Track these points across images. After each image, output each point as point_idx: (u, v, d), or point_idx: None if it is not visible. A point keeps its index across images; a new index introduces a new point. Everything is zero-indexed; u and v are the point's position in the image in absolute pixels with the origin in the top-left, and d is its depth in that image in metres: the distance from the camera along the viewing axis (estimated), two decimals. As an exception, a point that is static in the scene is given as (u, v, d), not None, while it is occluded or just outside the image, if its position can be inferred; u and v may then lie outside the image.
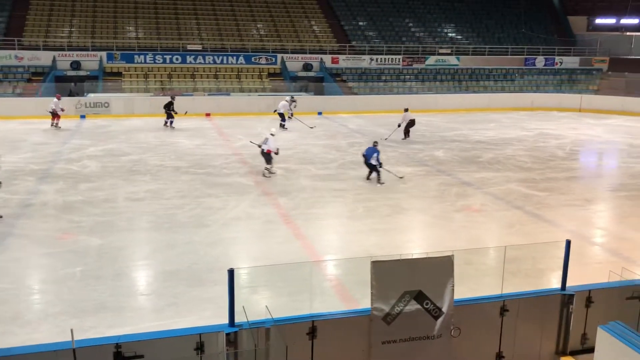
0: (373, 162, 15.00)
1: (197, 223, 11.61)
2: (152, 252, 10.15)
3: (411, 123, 21.83)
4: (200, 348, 5.31)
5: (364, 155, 15.31)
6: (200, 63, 31.49)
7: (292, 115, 25.70)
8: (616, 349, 5.65)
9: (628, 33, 38.54)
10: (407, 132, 22.00)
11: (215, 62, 31.63)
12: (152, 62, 31.11)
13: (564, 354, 6.77)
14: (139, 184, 14.55)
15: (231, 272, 5.43)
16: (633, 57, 36.61)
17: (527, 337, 6.58)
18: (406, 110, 22.26)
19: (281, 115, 24.46)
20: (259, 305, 6.40)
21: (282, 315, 5.81)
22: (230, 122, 25.84)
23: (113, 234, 10.87)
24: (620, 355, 5.59)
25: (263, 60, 32.20)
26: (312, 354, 5.77)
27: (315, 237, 11.25)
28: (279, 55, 32.41)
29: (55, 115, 23.54)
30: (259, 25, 35.01)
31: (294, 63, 32.45)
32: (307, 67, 32.48)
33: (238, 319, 5.55)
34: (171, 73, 30.88)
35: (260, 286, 8.64)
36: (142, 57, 31.04)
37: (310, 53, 32.96)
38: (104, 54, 30.49)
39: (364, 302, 6.07)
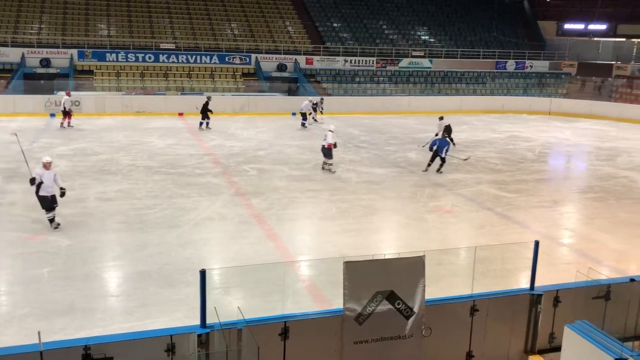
0: (443, 154, 16.39)
1: (168, 223, 11.49)
2: (123, 253, 10.02)
3: (448, 130, 20.41)
4: (171, 350, 5.26)
5: (434, 145, 16.58)
6: (173, 62, 31.19)
7: (315, 118, 26.54)
8: (582, 347, 5.79)
9: (596, 38, 39.45)
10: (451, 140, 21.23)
11: (188, 62, 31.38)
12: (125, 60, 30.70)
13: (532, 352, 6.90)
14: (110, 184, 14.35)
15: (203, 273, 5.40)
16: (600, 61, 37.48)
17: (496, 336, 6.69)
18: (441, 118, 21.79)
19: (303, 114, 24.97)
20: (231, 306, 6.36)
21: (254, 316, 5.79)
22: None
23: (83, 234, 10.70)
24: (586, 353, 5.73)
25: (237, 60, 32.06)
26: (284, 354, 5.76)
27: (289, 238, 11.24)
28: (253, 56, 32.31)
29: (67, 114, 22.80)
30: (233, 25, 34.86)
31: (268, 63, 32.39)
32: (281, 67, 32.45)
33: (210, 320, 5.52)
34: (143, 72, 30.52)
35: (232, 287, 8.60)
36: (114, 55, 30.61)
37: (284, 54, 32.94)
38: (74, 51, 29.96)
39: (337, 302, 6.10)
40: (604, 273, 8.67)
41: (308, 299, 8.51)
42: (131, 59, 30.73)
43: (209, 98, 23.85)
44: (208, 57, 31.65)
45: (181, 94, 29.16)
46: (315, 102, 26.33)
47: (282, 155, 18.82)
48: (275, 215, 12.48)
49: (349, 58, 33.83)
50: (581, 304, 6.94)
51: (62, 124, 22.75)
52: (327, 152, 16.42)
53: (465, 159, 15.93)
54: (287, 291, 8.30)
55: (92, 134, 21.59)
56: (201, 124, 23.42)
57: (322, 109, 26.91)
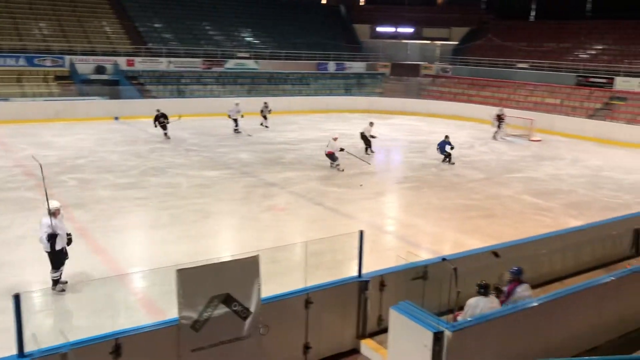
0: (447, 149, 19.37)
1: (-26, 246, 10.23)
2: None
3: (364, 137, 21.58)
4: (-17, 387, 4.72)
5: (438, 147, 19.71)
6: (-31, 64, 27.69)
7: (264, 124, 26.31)
8: (406, 325, 6.32)
9: (404, 40, 43.04)
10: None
11: (-11, 64, 28.08)
12: None
13: (364, 336, 7.36)
14: None
15: (17, 298, 4.91)
16: (410, 62, 40.98)
17: (330, 325, 7.02)
18: (371, 124, 21.78)
19: (234, 120, 24.45)
20: (54, 330, 5.87)
21: (82, 337, 5.41)
22: (12, 130, 23.15)
23: None
24: (409, 330, 6.27)
25: (48, 62, 29.42)
26: (117, 373, 5.47)
27: (117, 250, 10.66)
28: (67, 57, 29.86)
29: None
30: (41, 24, 31.90)
31: (85, 65, 30.19)
32: (100, 69, 30.46)
33: (29, 348, 5.04)
34: None
35: (55, 309, 7.93)
36: None
37: (102, 55, 30.98)
38: None
39: (172, 312, 5.93)
40: (422, 255, 9.54)
41: (142, 312, 8.16)
42: None
43: (157, 110, 23.05)
44: (13, 59, 28.56)
45: (-18, 100, 25.98)
46: (237, 109, 24.59)
47: (105, 163, 17.73)
48: (101, 227, 11.74)
49: (173, 59, 32.88)
50: (403, 285, 7.57)
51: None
52: (329, 156, 17.88)
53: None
54: (118, 306, 7.88)
55: None
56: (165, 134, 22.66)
57: (270, 111, 26.83)
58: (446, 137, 19.85)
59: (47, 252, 8.53)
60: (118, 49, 31.94)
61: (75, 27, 32.55)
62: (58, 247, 8.57)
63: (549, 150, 22.95)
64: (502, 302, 7.10)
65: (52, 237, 8.40)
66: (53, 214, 8.50)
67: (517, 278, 7.37)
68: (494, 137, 25.36)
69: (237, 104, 24.42)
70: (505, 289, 7.37)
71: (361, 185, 15.89)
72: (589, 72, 30.54)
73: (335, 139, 17.96)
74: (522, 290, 7.24)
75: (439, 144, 19.84)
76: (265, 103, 27.21)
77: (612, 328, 7.65)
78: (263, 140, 22.91)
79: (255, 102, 31.74)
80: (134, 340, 5.57)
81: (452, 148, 19.48)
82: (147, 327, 5.83)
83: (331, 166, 18.03)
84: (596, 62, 31.40)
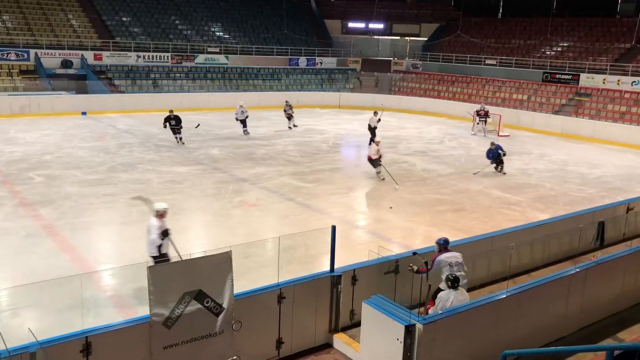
0: (500, 152, 17.64)
1: (-64, 245, 9.96)
2: None
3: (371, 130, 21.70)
4: (-52, 389, 4.60)
5: (490, 156, 17.79)
6: None
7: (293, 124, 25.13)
8: (378, 319, 6.39)
9: (375, 36, 43.24)
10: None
11: (-50, 57, 27.25)
12: None
13: (336, 331, 7.41)
14: None
15: (-17, 297, 4.79)
16: (380, 58, 41.20)
17: (303, 320, 7.04)
18: (375, 113, 21.79)
19: (242, 121, 23.05)
20: (21, 329, 5.76)
21: (50, 336, 5.32)
22: (-26, 126, 22.54)
23: None
24: (381, 323, 6.34)
25: (12, 56, 28.68)
26: (87, 372, 5.40)
27: (86, 248, 10.49)
28: (32, 51, 29.16)
29: None
30: (4, 17, 31.05)
31: (51, 59, 29.52)
32: (66, 63, 29.82)
33: (-4, 348, 4.94)
34: None
35: (22, 308, 7.78)
36: None
37: (69, 49, 30.31)
38: None
39: (144, 309, 5.87)
40: (393, 250, 9.63)
41: (112, 310, 8.06)
42: None
43: (170, 111, 21.03)
44: (-25, 52, 27.82)
45: (-58, 95, 25.22)
46: (242, 110, 23.14)
47: (73, 159, 17.39)
48: (69, 224, 11.53)
49: (141, 54, 32.37)
50: (375, 280, 7.64)
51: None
52: (371, 162, 16.47)
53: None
54: (88, 305, 7.75)
55: None
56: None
57: (293, 111, 25.28)
58: (492, 144, 17.91)
59: (152, 256, 8.17)
60: (85, 42, 31.33)
61: (41, 20, 31.80)
62: (164, 250, 8.26)
63: (516, 145, 23.37)
64: (426, 270, 7.37)
65: (165, 234, 8.09)
66: (161, 215, 8.28)
67: (444, 247, 7.61)
68: (475, 133, 25.59)
69: (241, 105, 23.10)
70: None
71: (391, 207, 13.85)
72: (555, 68, 31.18)
73: (377, 143, 16.62)
74: (447, 257, 7.42)
75: (489, 152, 17.84)
76: (287, 102, 25.60)
77: (577, 319, 7.85)
78: (233, 136, 22.76)
79: (226, 97, 31.63)
80: (105, 338, 5.51)
81: (504, 154, 17.72)
82: (118, 324, 5.77)
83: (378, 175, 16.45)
84: (562, 59, 32.06)
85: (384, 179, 16.17)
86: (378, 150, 16.31)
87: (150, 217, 8.34)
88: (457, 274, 7.03)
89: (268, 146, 20.88)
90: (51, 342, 5.21)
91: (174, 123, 20.49)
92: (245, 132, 22.96)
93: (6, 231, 10.92)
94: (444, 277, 7.12)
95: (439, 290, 7.11)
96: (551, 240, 10.15)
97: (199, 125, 20.78)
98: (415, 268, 7.35)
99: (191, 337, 5.83)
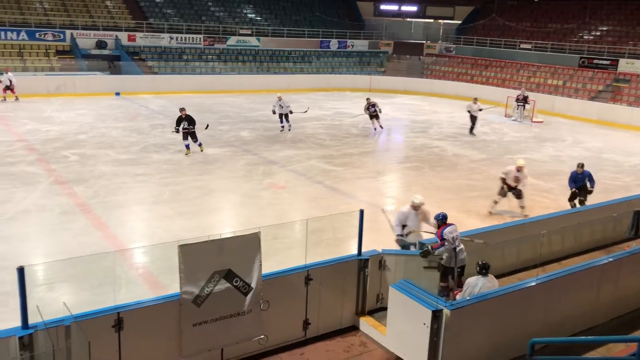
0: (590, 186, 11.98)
1: (-24, 220, 10.29)
2: None
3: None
4: (-13, 358, 4.79)
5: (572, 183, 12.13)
6: (-30, 38, 27.49)
7: (379, 125, 21.03)
8: (405, 303, 6.39)
9: (408, 19, 42.61)
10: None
11: (-10, 37, 27.87)
12: None
13: (363, 314, 7.44)
14: None
15: (21, 271, 4.95)
16: (413, 40, 40.64)
17: (330, 302, 7.08)
18: (475, 100, 21.38)
19: (283, 115, 20.11)
20: (56, 303, 5.93)
21: (84, 310, 5.47)
22: (12, 104, 23.11)
23: None
24: (408, 308, 6.33)
25: (50, 37, 29.21)
26: (119, 346, 5.54)
27: (118, 226, 10.71)
28: (68, 32, 29.64)
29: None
30: (42, -2, 31.60)
31: (86, 40, 29.97)
32: (101, 44, 30.24)
33: (33, 320, 5.10)
34: None
35: (57, 283, 8.01)
36: None
37: (103, 30, 30.72)
38: None
39: (174, 287, 5.98)
40: (422, 235, 9.57)
41: (143, 287, 8.23)
42: None
43: (181, 110, 16.78)
44: (14, 33, 28.35)
45: (-18, 74, 25.84)
46: (280, 103, 20.01)
47: (106, 139, 17.71)
48: (102, 202, 11.78)
49: (174, 35, 32.60)
50: (401, 264, 7.62)
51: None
52: (514, 193, 12.40)
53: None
54: (120, 281, 7.95)
55: None
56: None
57: (380, 110, 20.99)
58: (581, 165, 12.10)
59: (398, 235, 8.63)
60: (119, 23, 31.68)
61: (77, 1, 32.24)
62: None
63: (550, 132, 22.88)
64: (440, 245, 7.54)
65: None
66: (415, 207, 8.61)
67: (444, 222, 7.76)
68: (516, 119, 25.15)
69: (279, 97, 19.99)
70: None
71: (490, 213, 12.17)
72: (593, 53, 30.31)
73: (519, 168, 12.12)
74: (450, 230, 7.59)
75: (573, 179, 12.12)
76: (368, 99, 21.31)
77: (609, 309, 7.72)
78: (263, 118, 22.82)
79: (257, 80, 31.69)
80: (136, 314, 5.64)
81: (592, 186, 12.05)
82: (149, 301, 5.89)
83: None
84: (600, 43, 31.13)
85: (527, 215, 11.82)
86: (517, 176, 12.09)
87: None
88: (458, 248, 7.33)
89: (297, 129, 20.88)
90: (85, 317, 5.35)
91: (186, 125, 16.22)
92: (285, 127, 20.21)
93: (42, 208, 11.22)
94: (445, 255, 7.40)
95: (442, 267, 7.32)
96: (584, 228, 9.95)
97: (208, 126, 17.91)
98: (430, 247, 7.51)
99: (220, 316, 5.92)
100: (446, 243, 7.50)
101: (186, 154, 16.05)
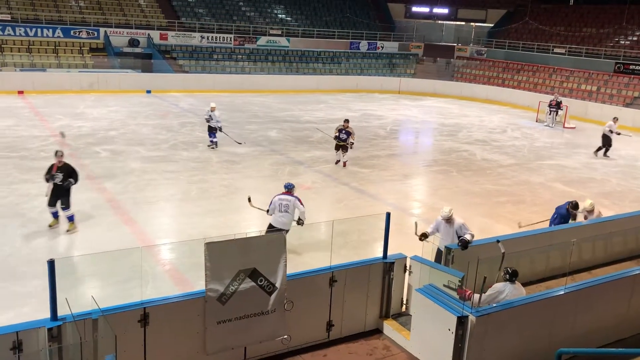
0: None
1: (10, 212, 10.56)
2: (-44, 247, 9.02)
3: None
4: (17, 347, 4.88)
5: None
6: (9, 35, 28.16)
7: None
8: (430, 308, 6.33)
9: (440, 21, 42.28)
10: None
11: (27, 35, 28.52)
12: (-52, 31, 27.18)
13: (387, 317, 7.38)
14: (-64, 171, 12.77)
15: (51, 264, 5.05)
16: (444, 43, 40.31)
17: (354, 304, 7.05)
18: (615, 119, 19.77)
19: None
20: (84, 296, 6.03)
21: (111, 304, 5.55)
22: (47, 100, 23.64)
23: None
24: (433, 312, 6.28)
25: (84, 34, 29.82)
26: (144, 341, 5.61)
27: (147, 222, 10.85)
28: (102, 30, 30.23)
29: None
30: (77, -4, 32.27)
31: (119, 38, 30.52)
32: (133, 42, 30.75)
33: (62, 312, 5.20)
34: (-28, 45, 27.26)
35: (86, 276, 8.15)
36: None
37: (136, 28, 31.24)
38: None
39: (199, 284, 6.03)
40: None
41: (169, 283, 8.32)
42: (-44, 29, 27.30)
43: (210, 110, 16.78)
44: (50, 30, 29.03)
45: (20, 70, 26.51)
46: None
47: (136, 136, 17.98)
48: (131, 198, 11.96)
49: (205, 34, 32.96)
50: (427, 269, 7.54)
51: None
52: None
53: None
54: (146, 277, 8.04)
55: None
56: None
57: (351, 144, 15.84)
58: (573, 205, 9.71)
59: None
60: (152, 22, 32.16)
61: (111, 0, 32.84)
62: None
63: (582, 138, 22.45)
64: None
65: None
66: (444, 219, 8.30)
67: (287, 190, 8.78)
68: (549, 124, 24.70)
69: (212, 109, 16.90)
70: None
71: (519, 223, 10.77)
72: (629, 59, 29.62)
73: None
74: (281, 198, 8.65)
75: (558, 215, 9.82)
76: (346, 121, 16.18)
77: (640, 321, 7.53)
78: (290, 118, 22.90)
79: (286, 80, 31.78)
80: (162, 310, 5.69)
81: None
82: (175, 297, 5.95)
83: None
84: (637, 48, 30.41)
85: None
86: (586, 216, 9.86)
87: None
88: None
89: (325, 130, 20.86)
90: (112, 311, 5.43)
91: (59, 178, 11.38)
92: (213, 143, 16.91)
93: (73, 202, 11.42)
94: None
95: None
96: (615, 237, 9.73)
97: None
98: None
99: (244, 314, 5.94)
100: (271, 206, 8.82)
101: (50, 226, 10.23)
